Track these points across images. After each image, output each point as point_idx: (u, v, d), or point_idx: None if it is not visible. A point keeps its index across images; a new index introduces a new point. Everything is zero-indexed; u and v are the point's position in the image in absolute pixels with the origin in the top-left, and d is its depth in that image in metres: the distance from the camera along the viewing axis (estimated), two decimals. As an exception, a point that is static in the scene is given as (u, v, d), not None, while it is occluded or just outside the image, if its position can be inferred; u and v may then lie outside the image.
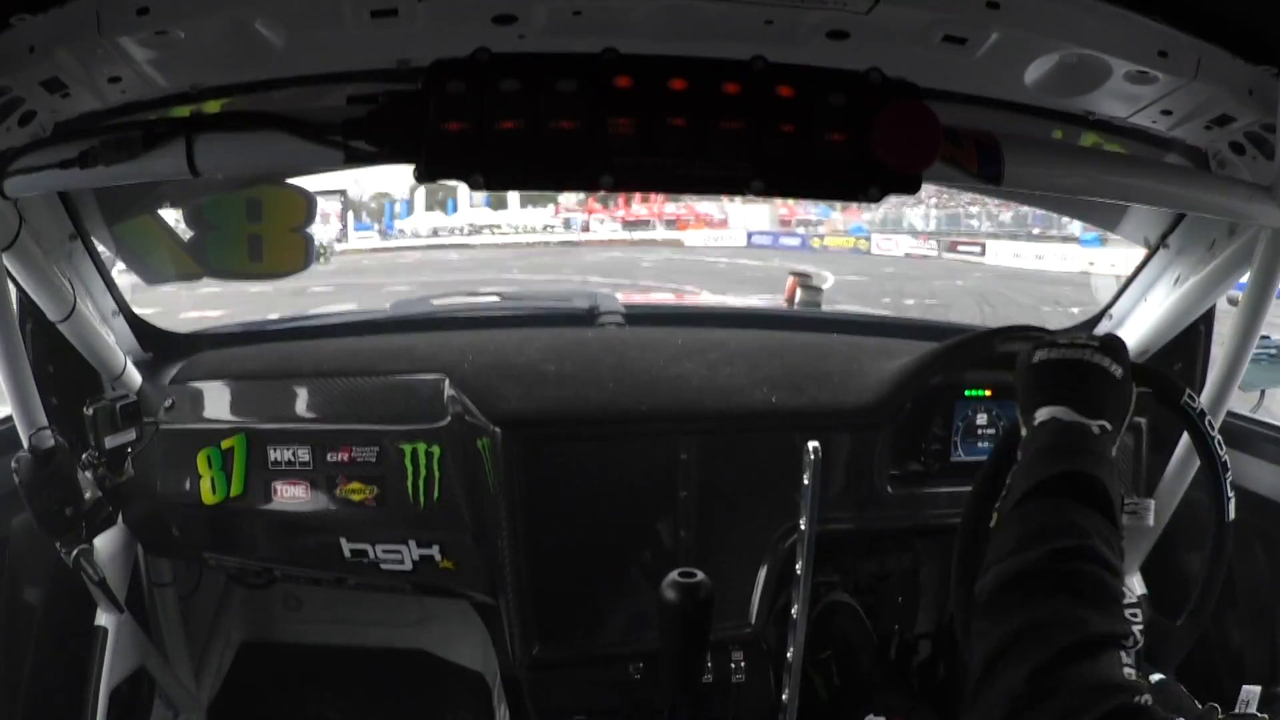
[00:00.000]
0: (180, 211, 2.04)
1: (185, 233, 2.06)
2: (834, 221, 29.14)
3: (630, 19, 1.25)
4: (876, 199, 1.17)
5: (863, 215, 28.63)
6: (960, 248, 25.79)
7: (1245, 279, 1.58)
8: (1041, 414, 1.09)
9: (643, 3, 1.23)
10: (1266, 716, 1.14)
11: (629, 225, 31.15)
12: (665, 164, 1.14)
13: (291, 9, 1.20)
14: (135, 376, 1.87)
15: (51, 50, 1.17)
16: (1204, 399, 1.65)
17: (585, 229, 31.18)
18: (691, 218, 30.71)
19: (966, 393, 1.81)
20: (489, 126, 1.10)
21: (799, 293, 5.20)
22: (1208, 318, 1.90)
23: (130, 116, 1.34)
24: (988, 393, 1.83)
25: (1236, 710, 1.21)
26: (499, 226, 30.82)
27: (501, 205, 30.14)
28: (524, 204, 30.25)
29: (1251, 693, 1.24)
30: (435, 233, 29.77)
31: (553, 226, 31.33)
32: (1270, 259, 1.50)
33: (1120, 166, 1.45)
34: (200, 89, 1.38)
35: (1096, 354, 1.11)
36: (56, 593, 1.80)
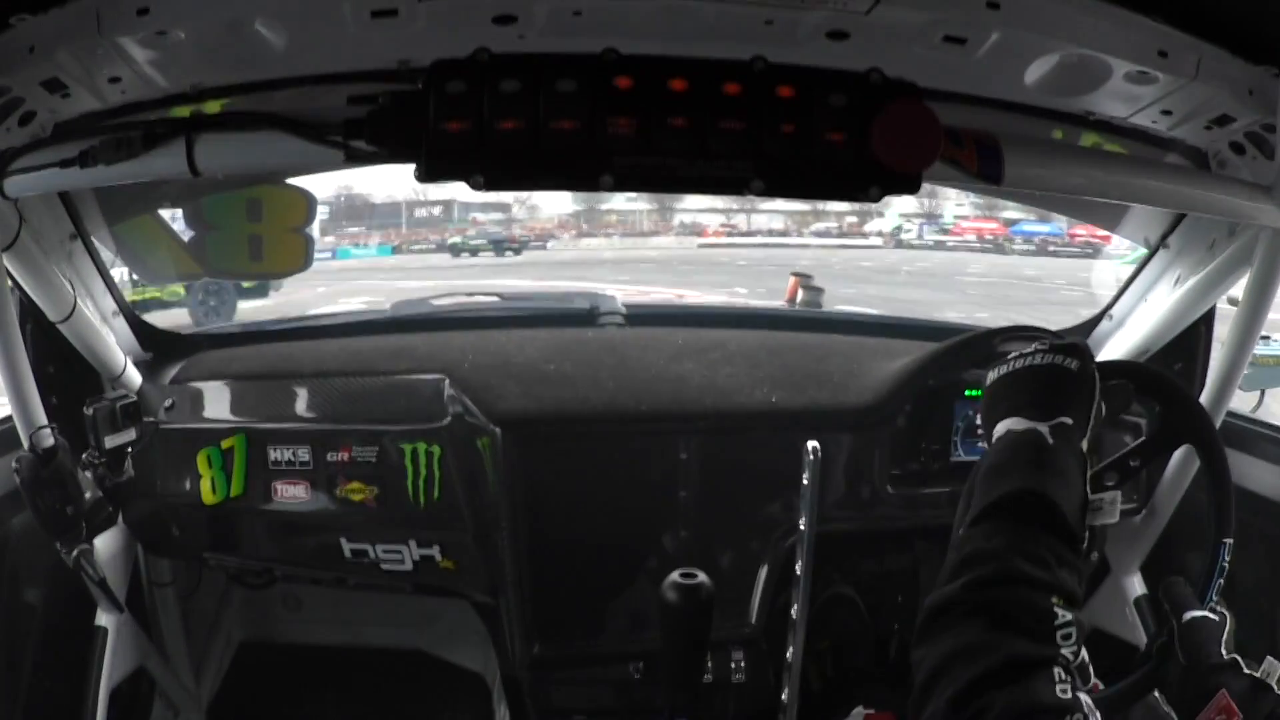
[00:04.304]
0: (180, 211, 2.04)
1: (185, 233, 2.06)
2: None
3: (630, 19, 1.25)
4: (877, 199, 1.17)
5: None
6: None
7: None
8: (997, 429, 1.09)
9: (643, 3, 1.23)
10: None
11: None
12: (666, 164, 1.14)
13: (291, 9, 1.20)
14: (135, 376, 1.87)
15: (51, 50, 1.17)
16: (1204, 399, 1.65)
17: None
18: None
19: (966, 393, 1.81)
20: (489, 127, 1.10)
21: (799, 292, 5.21)
22: (1208, 318, 1.90)
23: (130, 116, 1.34)
24: None
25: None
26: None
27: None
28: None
29: (1276, 665, 1.22)
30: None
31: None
32: (1270, 259, 1.50)
33: (1120, 166, 1.44)
34: (200, 89, 1.38)
35: (1046, 355, 1.13)
36: (56, 593, 1.80)
